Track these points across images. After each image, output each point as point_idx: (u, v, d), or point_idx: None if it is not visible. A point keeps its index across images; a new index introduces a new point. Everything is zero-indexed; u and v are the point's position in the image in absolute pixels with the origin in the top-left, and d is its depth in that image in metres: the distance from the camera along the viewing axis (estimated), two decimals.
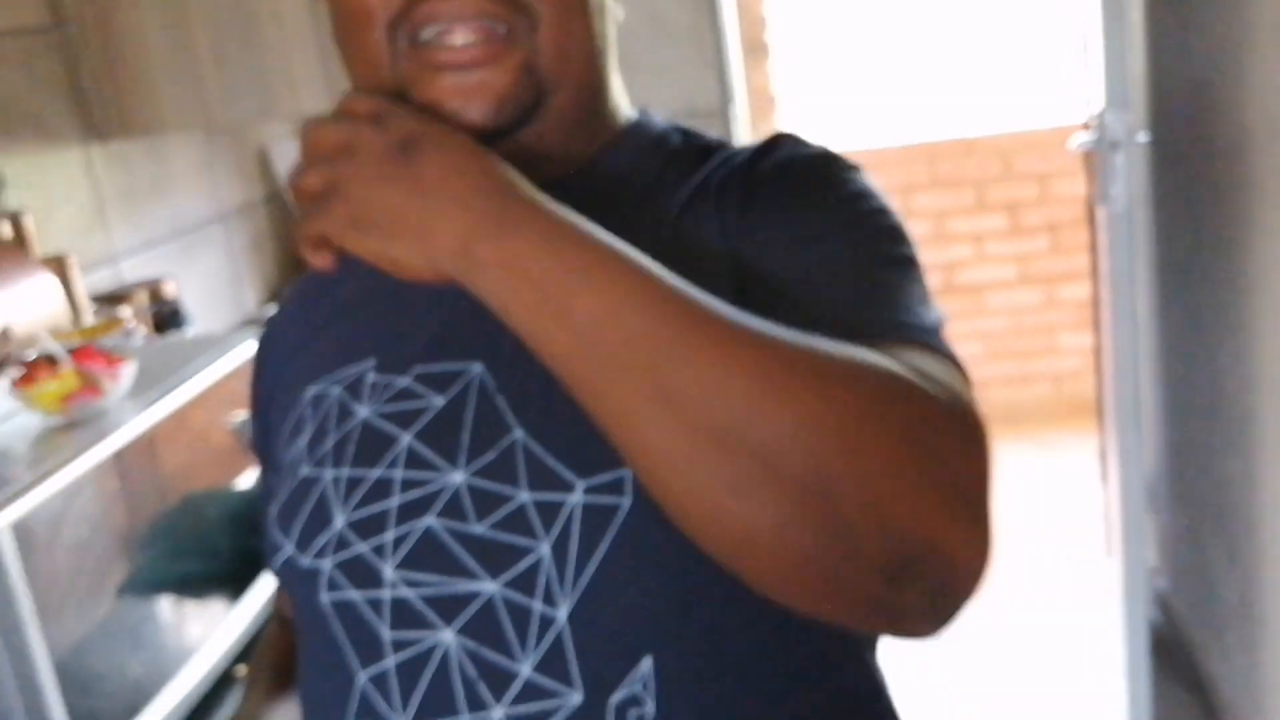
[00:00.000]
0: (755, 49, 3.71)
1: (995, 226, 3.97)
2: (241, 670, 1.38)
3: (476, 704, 0.71)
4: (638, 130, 0.86)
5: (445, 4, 0.73)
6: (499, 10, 0.73)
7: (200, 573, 1.36)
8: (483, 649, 0.71)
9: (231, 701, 1.33)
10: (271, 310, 2.24)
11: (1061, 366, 4.03)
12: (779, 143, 0.82)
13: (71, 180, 1.85)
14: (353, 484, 0.76)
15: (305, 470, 0.79)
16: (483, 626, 0.72)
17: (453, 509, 0.73)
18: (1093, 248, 2.69)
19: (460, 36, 0.73)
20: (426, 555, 0.73)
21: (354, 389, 0.80)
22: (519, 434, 0.73)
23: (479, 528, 0.72)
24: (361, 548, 0.75)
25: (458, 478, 0.73)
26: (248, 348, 1.46)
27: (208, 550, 1.38)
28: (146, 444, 1.26)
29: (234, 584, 1.42)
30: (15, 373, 1.23)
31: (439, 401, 0.76)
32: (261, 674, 0.96)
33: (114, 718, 1.17)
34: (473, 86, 0.73)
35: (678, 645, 0.72)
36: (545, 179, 0.74)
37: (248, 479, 1.45)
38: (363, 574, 0.75)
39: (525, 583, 0.71)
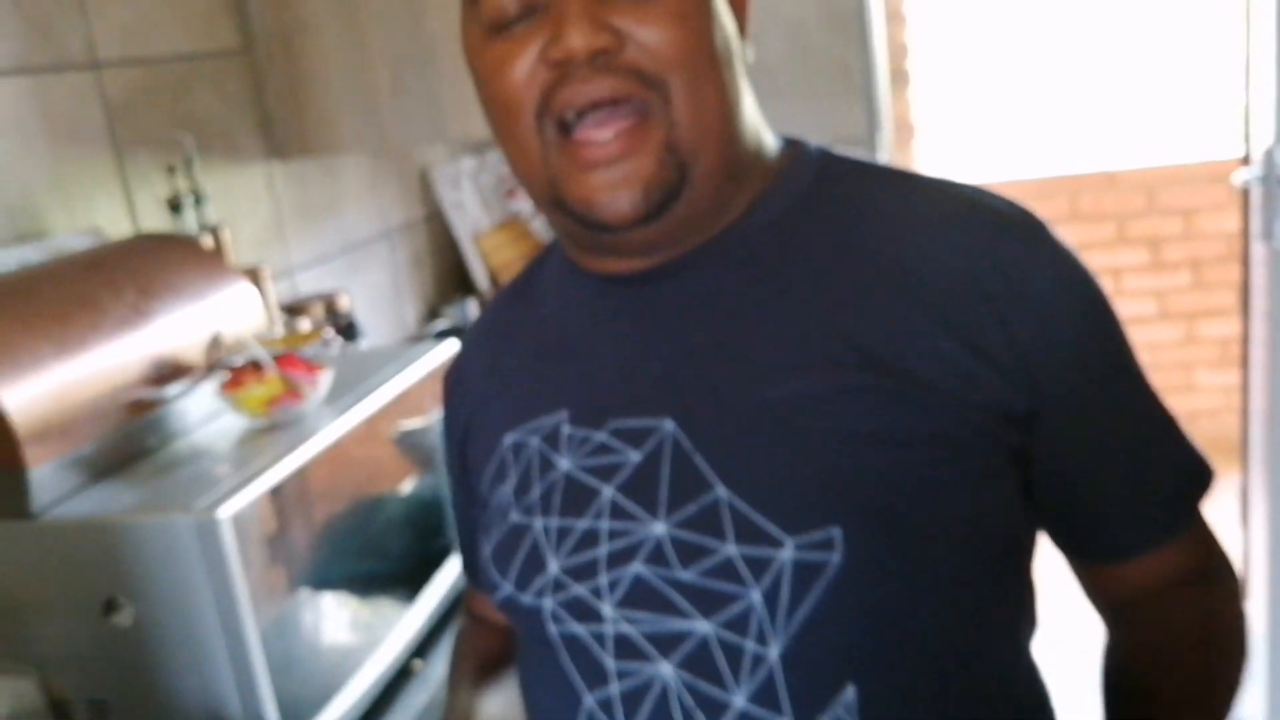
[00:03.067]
0: (897, 77, 3.71)
1: (1135, 261, 3.90)
2: (418, 664, 1.44)
3: None
4: (793, 173, 0.88)
5: (579, 88, 0.78)
6: (631, 88, 0.78)
7: (372, 572, 1.42)
8: (698, 681, 0.78)
9: (409, 692, 1.39)
10: (432, 327, 2.31)
11: (1199, 404, 3.94)
12: (1016, 234, 0.84)
13: (255, 196, 1.95)
14: (563, 533, 0.83)
15: (515, 517, 0.86)
16: (698, 661, 0.78)
17: (657, 557, 0.79)
18: (1244, 284, 2.64)
19: (600, 131, 0.79)
20: (641, 597, 0.79)
21: (552, 440, 0.86)
22: (722, 491, 0.78)
23: (686, 574, 0.78)
24: (579, 590, 0.81)
25: (659, 529, 0.79)
26: (426, 361, 1.53)
27: (379, 551, 1.44)
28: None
29: (404, 584, 1.48)
30: (223, 377, 1.30)
31: (635, 457, 0.81)
32: (465, 672, 1.02)
33: (310, 702, 1.23)
34: (619, 180, 0.79)
35: (880, 675, 0.77)
36: (704, 240, 0.85)
37: (414, 485, 1.51)
38: (584, 611, 0.81)
39: (738, 624, 0.77)
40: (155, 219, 1.65)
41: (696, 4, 0.80)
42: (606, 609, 0.80)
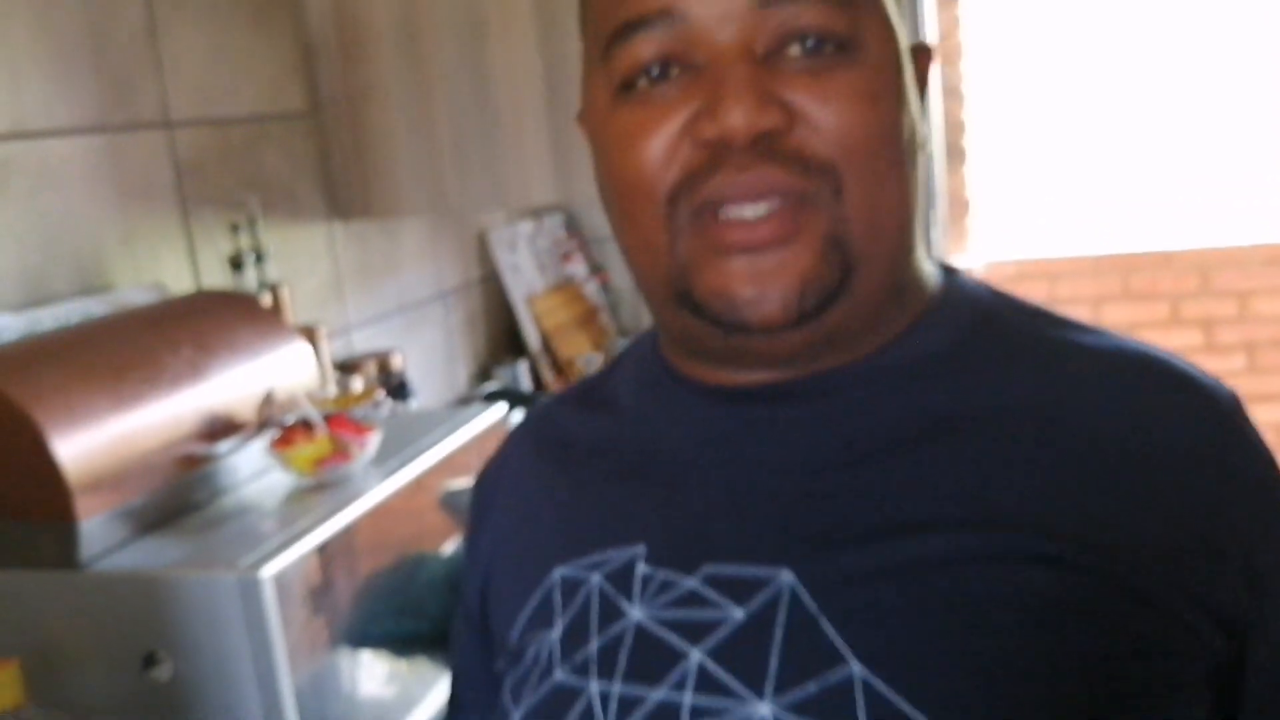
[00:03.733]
0: (953, 153, 3.71)
1: (1189, 343, 3.85)
2: None
3: None
4: (956, 301, 0.74)
5: (734, 178, 0.63)
6: (795, 180, 0.63)
7: (409, 632, 1.41)
8: None
9: None
10: (484, 388, 2.31)
11: None
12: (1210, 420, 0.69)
13: (316, 254, 1.97)
14: (627, 705, 0.65)
15: (561, 676, 0.69)
16: None
17: None
18: None
19: (752, 207, 0.63)
20: None
21: (621, 581, 0.69)
22: (856, 668, 0.61)
23: None
24: None
25: (764, 710, 0.61)
26: (474, 425, 1.53)
27: (416, 611, 1.43)
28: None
29: (443, 644, 1.47)
30: (274, 434, 1.31)
31: (737, 614, 0.64)
32: None
33: None
34: (770, 270, 0.64)
35: None
36: (849, 359, 0.70)
37: (455, 545, 1.51)
38: None
39: None
40: (217, 276, 1.67)
41: (887, 81, 0.66)
42: None
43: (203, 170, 1.69)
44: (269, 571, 1.10)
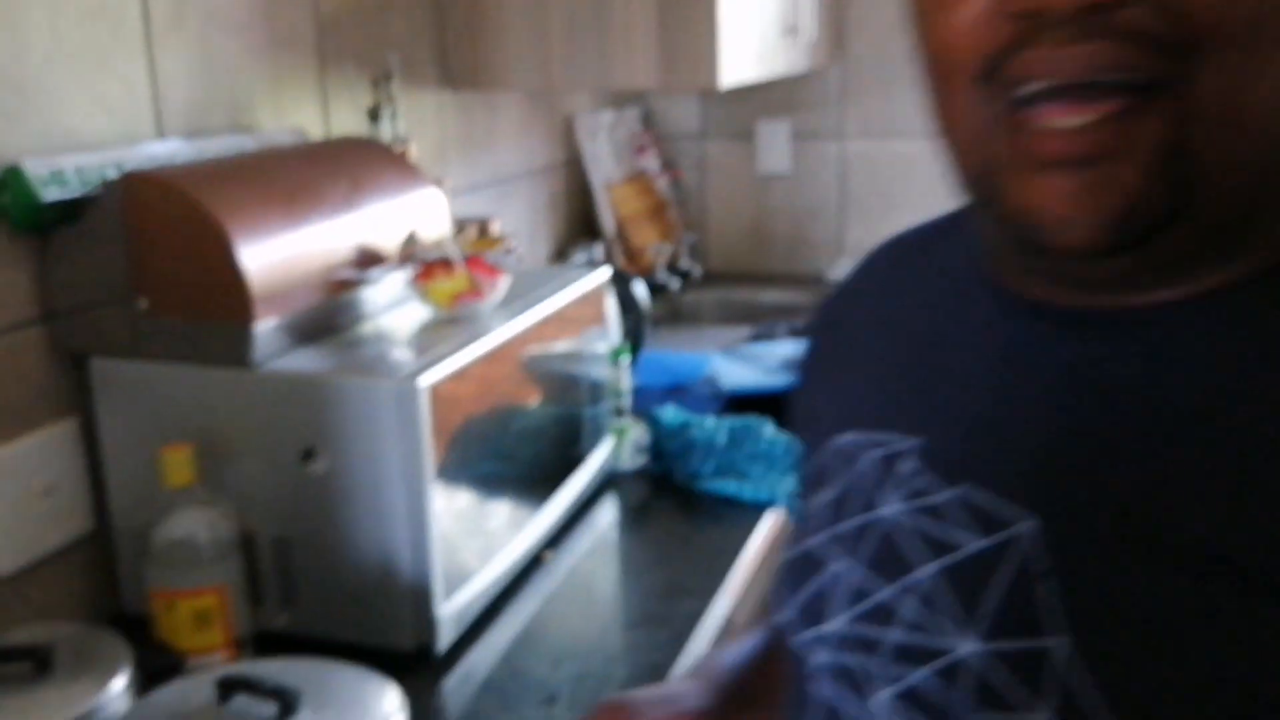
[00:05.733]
0: None
1: None
2: (548, 555, 1.53)
3: None
4: None
5: (1051, 54, 0.52)
6: (1135, 57, 0.51)
7: (500, 473, 1.50)
8: None
9: (538, 579, 1.48)
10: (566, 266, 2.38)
11: None
12: None
13: (425, 121, 2.04)
14: (855, 594, 0.65)
15: (813, 543, 0.70)
16: None
17: (951, 679, 0.59)
18: None
19: (1068, 116, 0.53)
20: (916, 708, 0.61)
21: (888, 470, 0.66)
22: (1066, 640, 0.55)
23: (976, 718, 0.59)
24: (851, 661, 0.65)
25: (969, 646, 0.59)
26: (584, 283, 1.61)
27: (507, 455, 1.52)
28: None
29: (541, 484, 1.56)
30: (415, 269, 1.40)
31: (977, 544, 0.60)
32: (720, 675, 0.89)
33: (460, 572, 1.32)
34: (1088, 188, 0.53)
35: None
36: (1183, 296, 0.57)
37: (558, 397, 1.59)
38: (852, 685, 0.65)
39: None
40: (347, 126, 1.74)
41: None
42: (878, 696, 0.63)
43: (339, 28, 1.75)
44: (425, 381, 1.19)
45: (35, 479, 1.29)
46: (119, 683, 1.01)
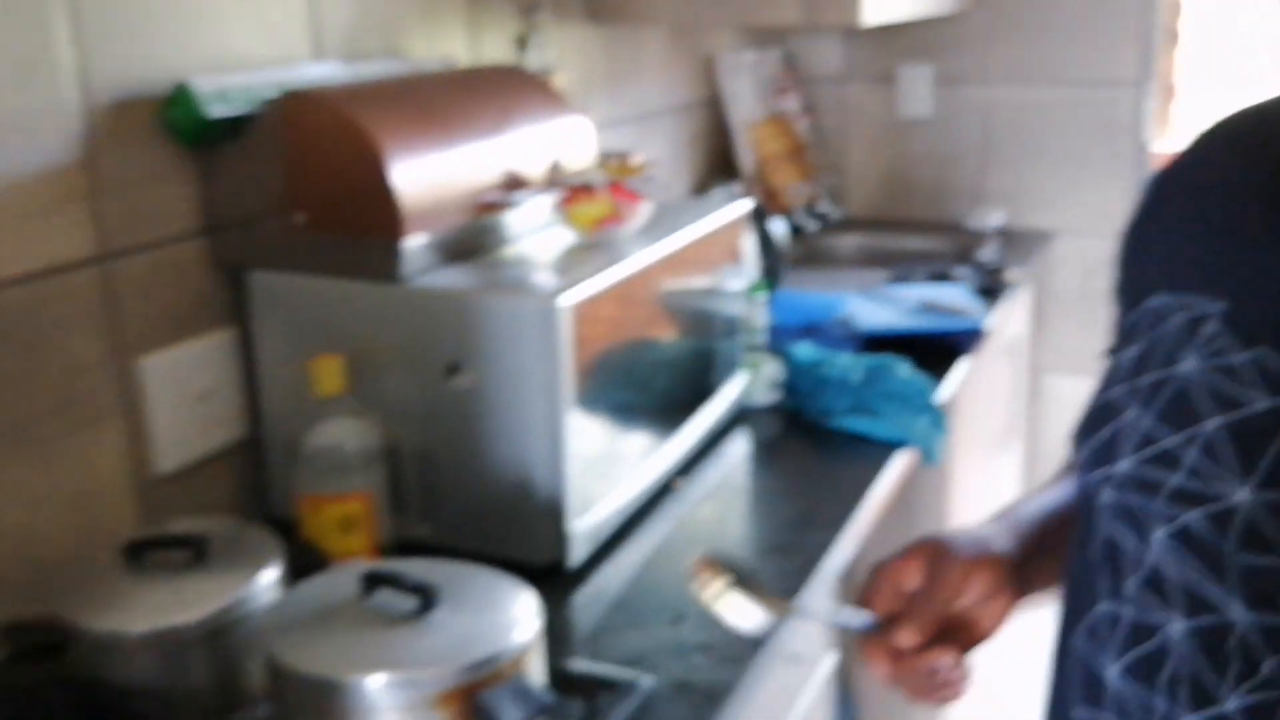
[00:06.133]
0: (1167, 35, 3.58)
1: None
2: (678, 482, 1.54)
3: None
4: None
5: None
6: None
7: (633, 401, 1.51)
8: (1202, 663, 0.69)
9: (668, 505, 1.49)
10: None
11: None
12: None
13: (570, 54, 2.05)
14: (1144, 440, 0.72)
15: (1117, 391, 0.76)
16: (1210, 637, 0.68)
17: (1221, 524, 0.68)
18: None
19: None
20: (1187, 546, 0.69)
21: (1193, 330, 0.72)
22: None
23: (1243, 559, 0.67)
24: (1133, 500, 0.73)
25: (1242, 495, 0.67)
26: (722, 215, 1.61)
27: (641, 384, 1.53)
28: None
29: (674, 413, 1.57)
30: (560, 194, 1.41)
31: (1260, 403, 0.67)
32: (1025, 522, 0.94)
33: (592, 492, 1.34)
34: None
35: None
36: None
37: (692, 329, 1.59)
38: (1132, 523, 0.73)
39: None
40: (493, 57, 1.76)
41: None
42: (1154, 534, 0.71)
43: None
44: (567, 301, 1.20)
45: (194, 384, 1.34)
46: (269, 574, 1.05)
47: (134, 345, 1.27)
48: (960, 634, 0.87)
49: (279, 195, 1.29)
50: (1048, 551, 0.90)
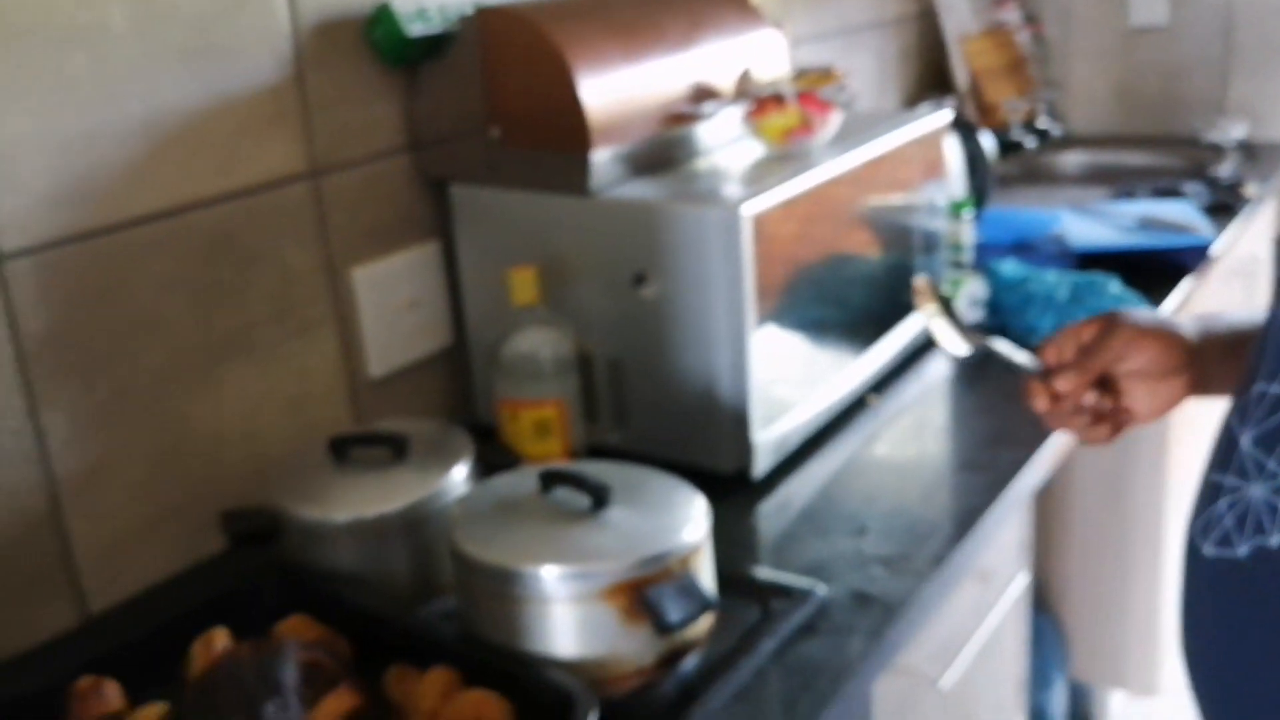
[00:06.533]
0: None
1: None
2: (873, 399, 1.52)
3: None
4: None
5: None
6: None
7: (827, 315, 1.48)
8: None
9: (861, 421, 1.47)
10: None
11: None
12: None
13: None
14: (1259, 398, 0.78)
15: None
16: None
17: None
18: None
19: None
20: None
21: None
22: None
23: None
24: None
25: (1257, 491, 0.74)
26: (922, 125, 1.55)
27: (835, 298, 1.50)
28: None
29: (867, 330, 1.54)
30: (748, 106, 1.39)
31: None
32: (1217, 324, 0.98)
33: (778, 403, 1.33)
34: None
35: None
36: None
37: (886, 247, 1.55)
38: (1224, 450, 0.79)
39: None
40: None
41: None
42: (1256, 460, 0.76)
43: None
44: (750, 210, 1.20)
45: (402, 294, 1.41)
46: (461, 470, 1.10)
47: (345, 257, 1.34)
48: (1122, 405, 0.97)
49: (478, 111, 1.32)
50: (1230, 356, 0.93)
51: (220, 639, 0.98)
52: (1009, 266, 1.75)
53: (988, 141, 2.04)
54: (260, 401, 1.27)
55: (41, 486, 1.09)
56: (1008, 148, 2.44)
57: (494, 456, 1.17)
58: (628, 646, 0.91)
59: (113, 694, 0.94)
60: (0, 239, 1.03)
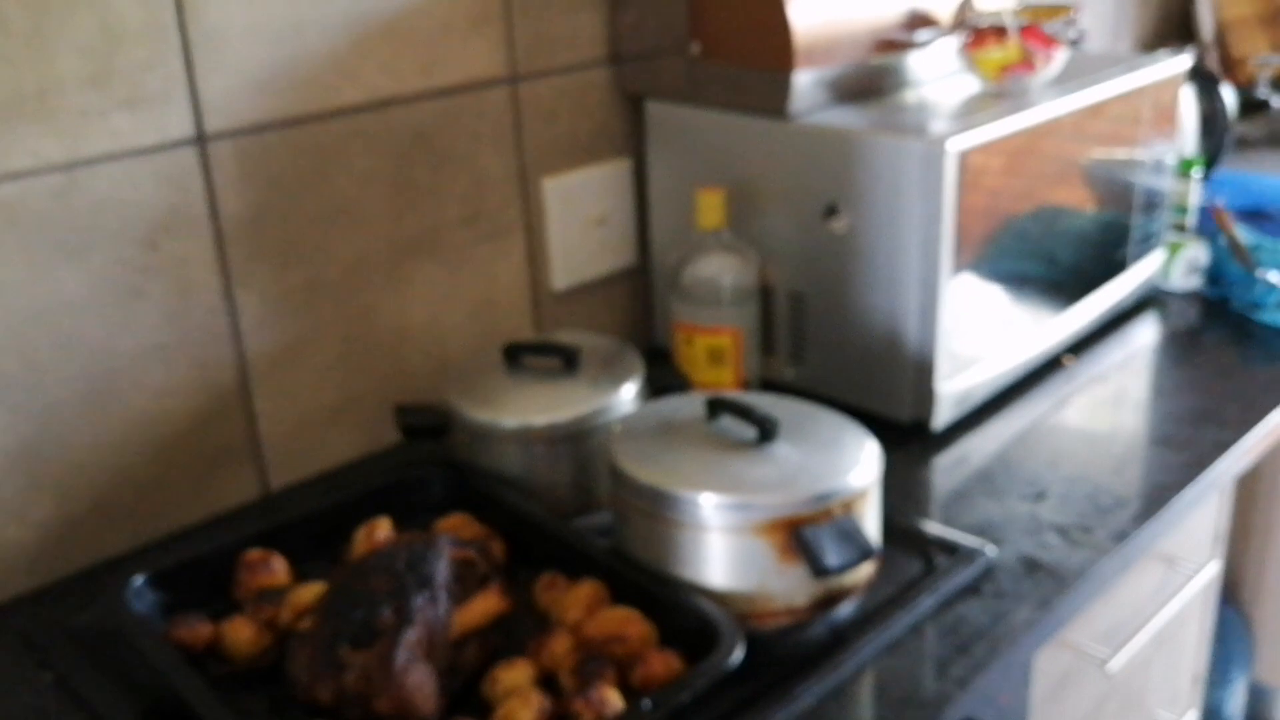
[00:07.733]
0: None
1: None
2: (1069, 359, 1.43)
3: None
4: None
5: None
6: None
7: (1029, 269, 1.40)
8: None
9: (1055, 381, 1.39)
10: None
11: None
12: None
13: None
14: None
15: None
16: None
17: None
18: None
19: None
20: None
21: None
22: None
23: None
24: None
25: None
26: (1155, 71, 1.44)
27: (1048, 256, 1.41)
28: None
29: (1070, 288, 1.45)
30: (966, 36, 1.31)
31: None
32: None
33: (966, 356, 1.27)
34: None
35: None
36: None
37: (1102, 203, 1.45)
38: None
39: None
40: None
41: None
42: None
43: None
44: (954, 146, 1.13)
45: (591, 209, 1.39)
46: (630, 389, 1.08)
47: (538, 166, 1.33)
48: None
49: (680, 26, 1.28)
50: None
51: (383, 528, 0.99)
52: (1239, 234, 1.61)
53: (1229, 97, 1.88)
54: (445, 302, 1.29)
55: (233, 364, 1.13)
56: (1251, 106, 2.24)
57: (664, 379, 1.15)
58: (780, 584, 0.88)
59: (279, 568, 0.97)
60: (205, 119, 1.06)
